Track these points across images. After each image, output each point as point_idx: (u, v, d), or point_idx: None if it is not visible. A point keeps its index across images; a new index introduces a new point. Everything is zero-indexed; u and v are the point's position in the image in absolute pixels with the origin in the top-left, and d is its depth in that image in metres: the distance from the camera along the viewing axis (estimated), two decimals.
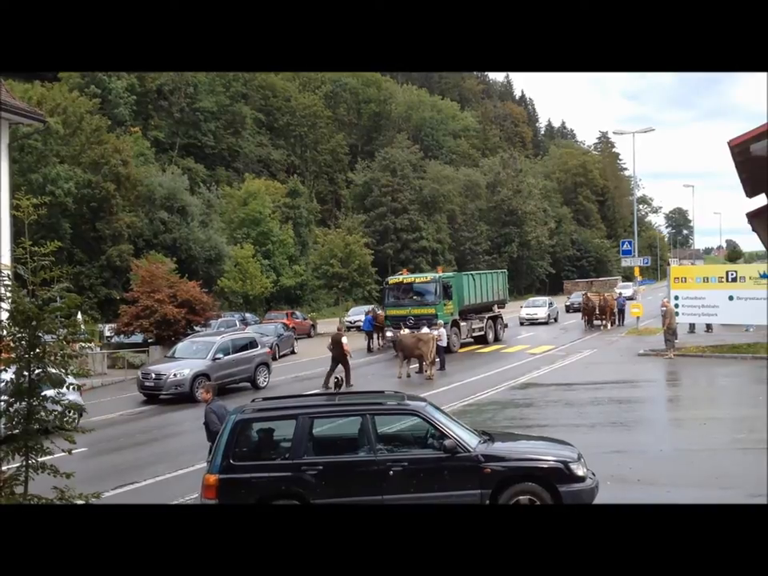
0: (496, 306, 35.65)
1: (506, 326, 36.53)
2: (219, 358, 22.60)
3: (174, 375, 21.77)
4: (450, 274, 35.40)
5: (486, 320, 33.69)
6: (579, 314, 46.87)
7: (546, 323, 43.63)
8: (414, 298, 30.85)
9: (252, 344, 24.44)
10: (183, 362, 22.45)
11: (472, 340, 32.97)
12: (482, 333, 33.30)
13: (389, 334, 30.58)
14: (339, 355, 22.55)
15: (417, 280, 31.81)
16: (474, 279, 33.64)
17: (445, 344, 25.71)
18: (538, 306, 45.81)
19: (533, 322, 43.83)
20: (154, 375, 22.02)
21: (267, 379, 24.14)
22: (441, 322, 27.38)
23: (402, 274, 34.42)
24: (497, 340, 34.25)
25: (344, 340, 22.74)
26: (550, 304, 46.29)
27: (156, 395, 21.90)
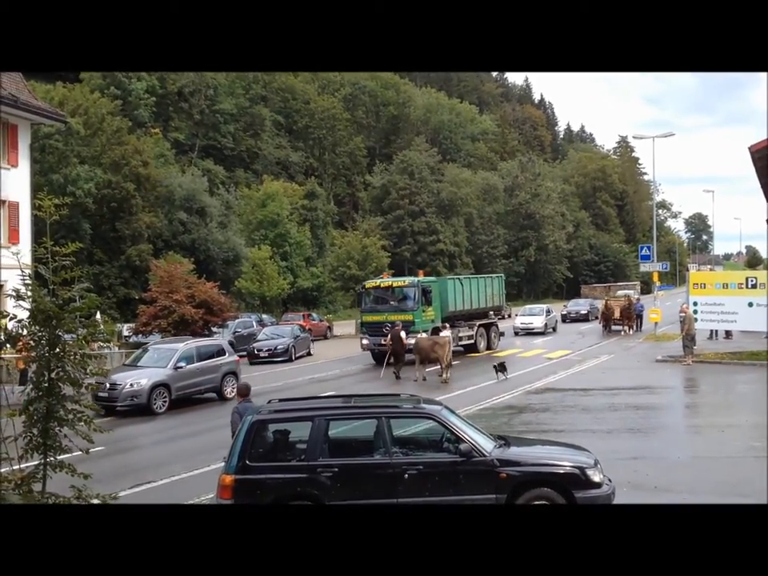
0: (492, 312, 33.67)
1: (501, 334, 34.52)
2: (181, 367, 20.80)
3: (131, 386, 19.71)
4: (432, 278, 33.51)
5: (476, 327, 31.47)
6: (573, 324, 45.82)
7: (542, 333, 40.21)
8: (392, 303, 29.13)
9: (220, 352, 22.71)
10: (142, 372, 20.43)
11: (462, 348, 30.93)
12: (472, 341, 31.04)
13: (364, 341, 29.36)
14: (399, 350, 24.18)
15: (394, 284, 29.92)
16: (461, 284, 31.63)
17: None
18: (534, 315, 42.34)
19: (528, 332, 40.43)
20: (108, 385, 19.23)
21: (235, 390, 22.50)
22: (446, 325, 27.04)
23: (381, 278, 32.94)
24: (489, 349, 32.20)
25: (402, 334, 24.73)
26: (548, 312, 42.88)
27: (111, 407, 19.41)
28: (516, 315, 43.30)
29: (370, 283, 31.12)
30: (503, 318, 45.98)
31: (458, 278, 33.07)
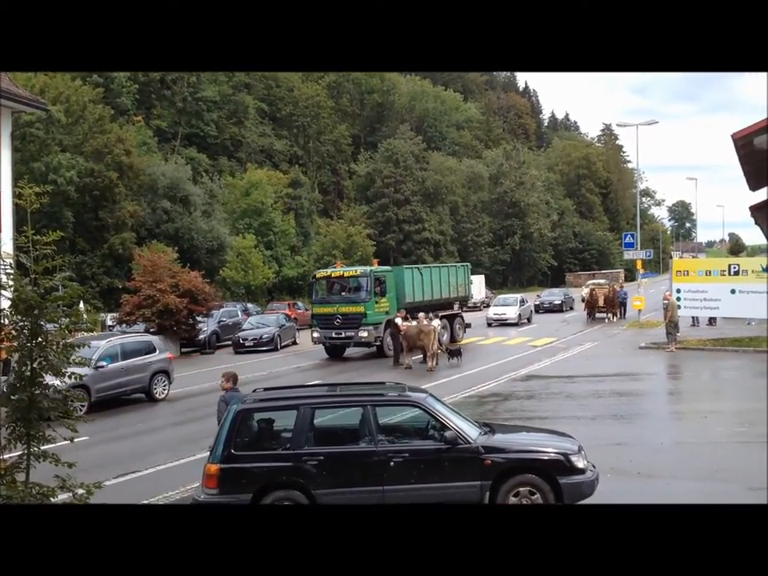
0: (457, 303, 32.21)
1: (467, 325, 32.89)
2: (103, 366, 19.09)
3: None
4: (387, 267, 31.64)
5: (438, 319, 28.51)
6: (547, 315, 44.90)
7: (516, 324, 38.74)
8: (342, 294, 27.84)
9: (149, 349, 21.11)
10: None
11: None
12: None
13: (315, 334, 28.22)
14: (395, 335, 24.91)
15: (345, 274, 28.40)
16: (421, 274, 30.05)
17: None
18: (508, 305, 40.72)
19: (502, 323, 38.84)
20: None
21: (167, 390, 21.15)
22: (428, 315, 26.33)
23: (334, 267, 31.55)
24: (453, 341, 30.15)
25: (398, 320, 24.87)
26: (522, 302, 41.23)
27: None
28: (489, 305, 42.19)
29: (320, 273, 29.79)
30: (488, 306, 45.92)
31: (417, 268, 31.58)
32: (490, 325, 38.93)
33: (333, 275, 28.68)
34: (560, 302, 48.31)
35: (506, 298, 43.76)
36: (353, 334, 26.88)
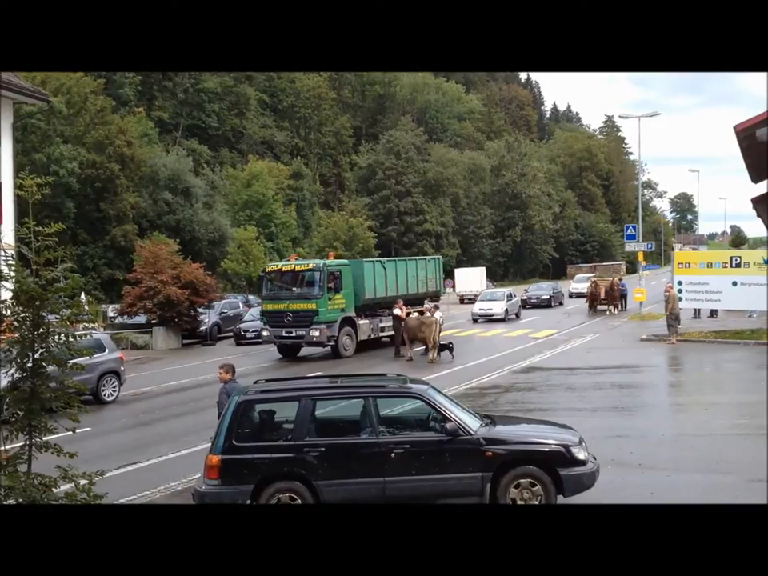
0: (428, 299, 29.88)
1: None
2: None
3: None
4: (344, 261, 29.57)
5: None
6: (536, 310, 43.32)
7: (503, 320, 36.82)
8: (294, 289, 25.91)
9: (98, 348, 19.09)
10: None
11: (389, 339, 27.26)
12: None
13: (265, 333, 26.55)
14: (397, 327, 25.00)
15: (297, 268, 26.26)
16: (384, 267, 27.88)
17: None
18: (495, 300, 38.46)
19: (488, 319, 37.04)
20: None
21: (117, 391, 19.69)
22: (426, 306, 25.92)
23: (288, 260, 29.87)
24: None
25: (396, 311, 25.02)
26: (509, 297, 39.24)
27: None
28: (477, 300, 40.72)
29: (271, 267, 27.95)
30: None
31: (379, 261, 29.66)
32: (475, 321, 37.25)
33: (284, 269, 26.72)
34: (548, 296, 45.83)
35: (494, 292, 41.92)
36: (304, 333, 25.09)
